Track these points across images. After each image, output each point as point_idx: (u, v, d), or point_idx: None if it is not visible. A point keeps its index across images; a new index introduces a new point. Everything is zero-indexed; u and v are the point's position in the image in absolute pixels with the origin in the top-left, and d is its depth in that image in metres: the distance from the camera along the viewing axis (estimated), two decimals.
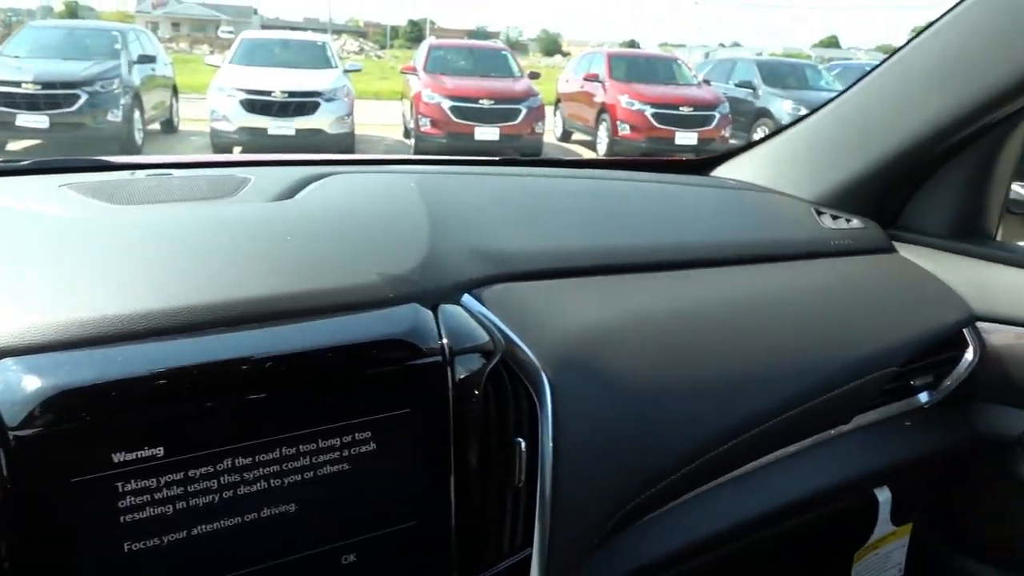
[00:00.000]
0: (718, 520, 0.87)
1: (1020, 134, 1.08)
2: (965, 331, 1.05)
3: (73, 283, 0.56)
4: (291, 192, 0.81)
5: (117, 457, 0.48)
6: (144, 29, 12.20)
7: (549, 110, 10.86)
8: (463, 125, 9.29)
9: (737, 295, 0.91)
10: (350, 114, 9.26)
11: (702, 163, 1.35)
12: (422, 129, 9.38)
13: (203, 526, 0.51)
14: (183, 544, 0.51)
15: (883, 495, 1.02)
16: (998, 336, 1.04)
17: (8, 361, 0.48)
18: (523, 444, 0.64)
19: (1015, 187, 1.19)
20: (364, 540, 0.57)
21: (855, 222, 1.13)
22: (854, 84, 1.14)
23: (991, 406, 1.09)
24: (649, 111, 9.72)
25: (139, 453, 0.49)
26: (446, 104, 9.37)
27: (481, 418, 0.62)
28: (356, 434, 0.56)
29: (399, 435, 0.57)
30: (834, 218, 1.12)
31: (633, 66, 10.97)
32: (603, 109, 10.31)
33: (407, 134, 10.22)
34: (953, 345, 1.05)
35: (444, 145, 9.14)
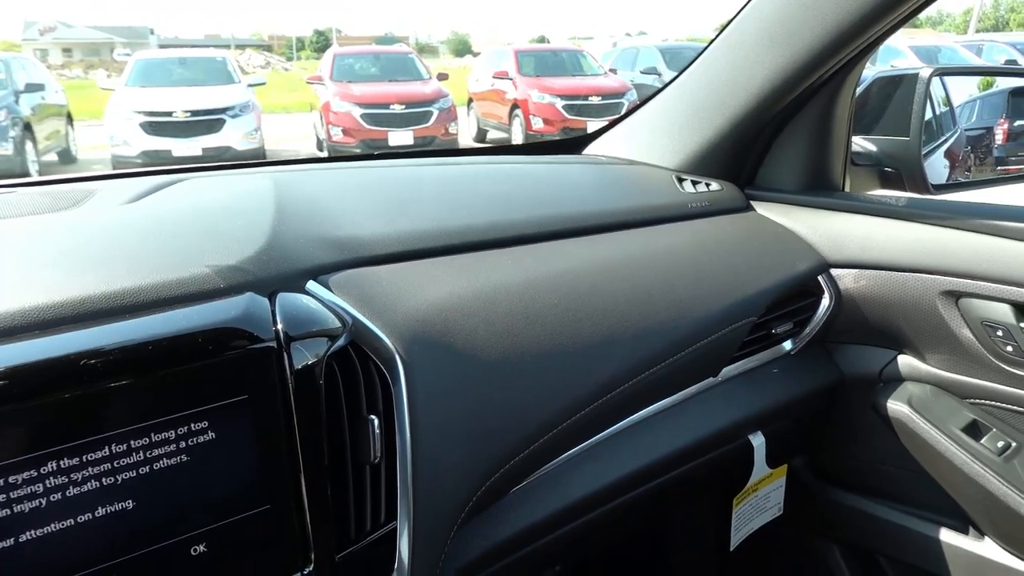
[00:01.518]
0: (595, 480, 0.90)
1: (850, 90, 1.15)
2: (820, 279, 1.11)
3: None
4: (135, 199, 0.80)
5: None
6: (28, 57, 11.64)
7: (462, 111, 10.88)
8: (376, 131, 9.22)
9: (596, 262, 0.94)
10: (258, 129, 9.06)
11: (576, 141, 1.39)
12: (334, 139, 9.26)
13: (31, 532, 0.50)
14: (11, 553, 0.50)
15: (757, 440, 1.07)
16: (852, 281, 1.11)
17: None
18: (376, 421, 0.65)
19: (856, 140, 1.27)
20: (214, 529, 0.57)
21: (714, 185, 1.18)
22: (698, 56, 1.20)
23: (852, 347, 1.16)
24: (560, 103, 9.85)
25: None
26: (356, 112, 9.28)
27: (327, 400, 0.62)
28: (192, 424, 0.56)
29: (239, 422, 0.58)
30: (694, 183, 1.18)
31: (541, 61, 11.10)
32: (515, 105, 10.40)
33: (319, 145, 10.08)
34: (810, 293, 1.12)
35: (359, 154, 9.04)
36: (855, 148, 1.25)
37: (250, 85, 10.02)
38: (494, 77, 10.98)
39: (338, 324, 0.65)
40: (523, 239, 0.92)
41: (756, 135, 1.19)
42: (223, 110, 8.83)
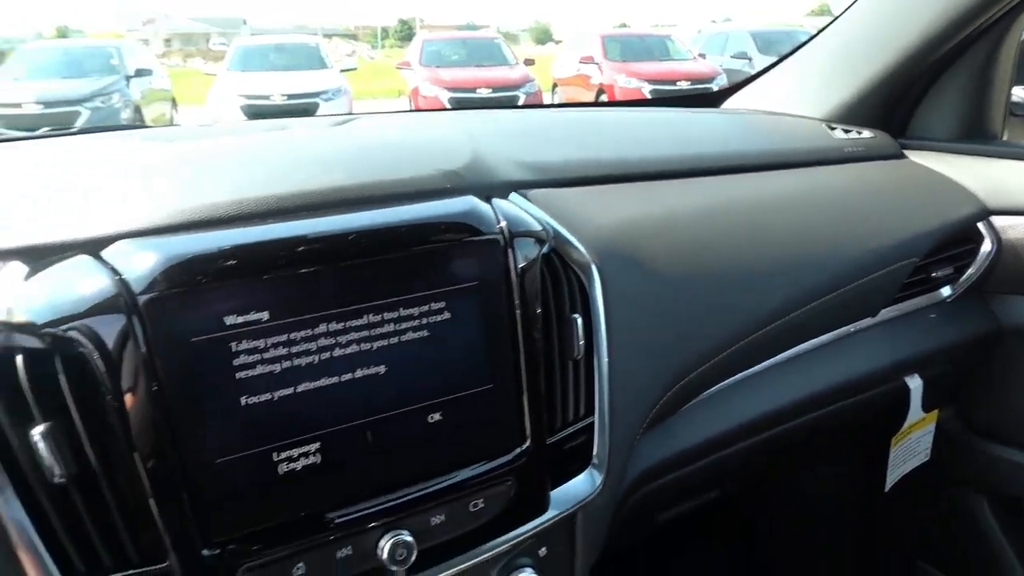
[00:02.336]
0: (756, 407, 0.93)
1: (1015, 38, 1.12)
2: (980, 225, 1.10)
3: (189, 179, 0.62)
4: (338, 124, 0.87)
5: (229, 320, 0.54)
6: (137, 43, 12.28)
7: (547, 97, 10.90)
8: None
9: (757, 197, 0.96)
10: (350, 112, 9.32)
11: (713, 96, 1.40)
12: None
13: (305, 384, 0.57)
14: (289, 400, 0.56)
15: (914, 383, 1.07)
16: (1015, 229, 1.09)
17: (137, 240, 0.54)
18: (579, 320, 0.70)
19: (1016, 91, 1.24)
20: (447, 401, 0.62)
21: (866, 133, 1.18)
22: (851, 6, 1.19)
23: (1010, 297, 1.14)
24: (647, 88, 9.74)
25: (247, 317, 0.54)
26: (444, 96, 9.43)
27: (540, 296, 0.67)
28: (432, 304, 0.61)
29: (470, 306, 0.63)
30: (845, 132, 1.17)
31: (627, 45, 11.00)
32: (601, 90, 10.34)
33: None
34: (970, 239, 1.10)
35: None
36: (1014, 98, 1.23)
37: (342, 70, 10.32)
38: (580, 62, 10.95)
39: (545, 230, 0.69)
40: (692, 173, 0.95)
41: (911, 84, 1.17)
42: (317, 94, 9.13)
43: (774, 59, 1.39)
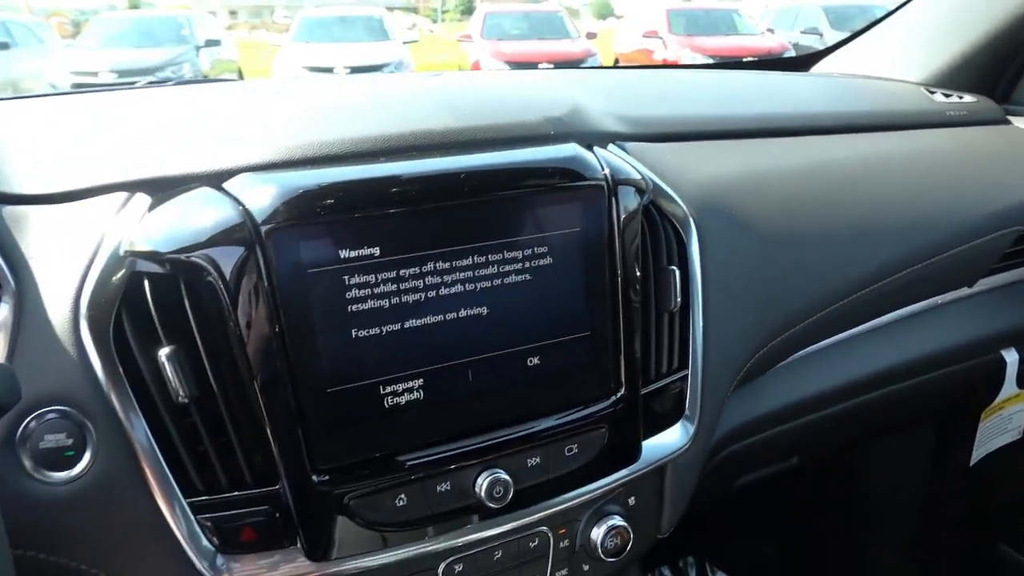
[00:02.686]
0: (845, 372, 0.91)
1: None
2: None
3: (303, 119, 0.63)
4: (434, 76, 0.87)
5: (343, 253, 0.55)
6: (206, 14, 12.55)
7: None
8: None
9: (856, 158, 0.93)
10: None
11: (801, 60, 1.36)
12: None
13: (412, 321, 0.58)
14: (396, 336, 0.57)
15: (1011, 356, 1.03)
16: None
17: (257, 173, 0.55)
18: (677, 272, 0.69)
19: None
20: (546, 345, 0.63)
21: (967, 98, 1.13)
22: None
23: None
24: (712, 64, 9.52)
25: (360, 251, 0.55)
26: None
27: (640, 245, 0.67)
28: (535, 248, 0.62)
29: (572, 251, 0.63)
30: (946, 96, 1.13)
31: (692, 19, 10.72)
32: (664, 66, 10.15)
33: None
34: None
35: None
36: None
37: (404, 43, 10.36)
38: (643, 36, 10.74)
39: (645, 180, 0.69)
40: (788, 132, 0.93)
41: (1018, 49, 1.12)
42: (380, 66, 9.17)
43: (846, 35, 1.35)
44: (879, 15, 1.31)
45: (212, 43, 10.12)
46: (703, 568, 1.43)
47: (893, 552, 1.35)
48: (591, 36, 10.66)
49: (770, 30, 10.95)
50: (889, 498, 1.31)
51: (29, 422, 0.52)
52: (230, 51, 11.11)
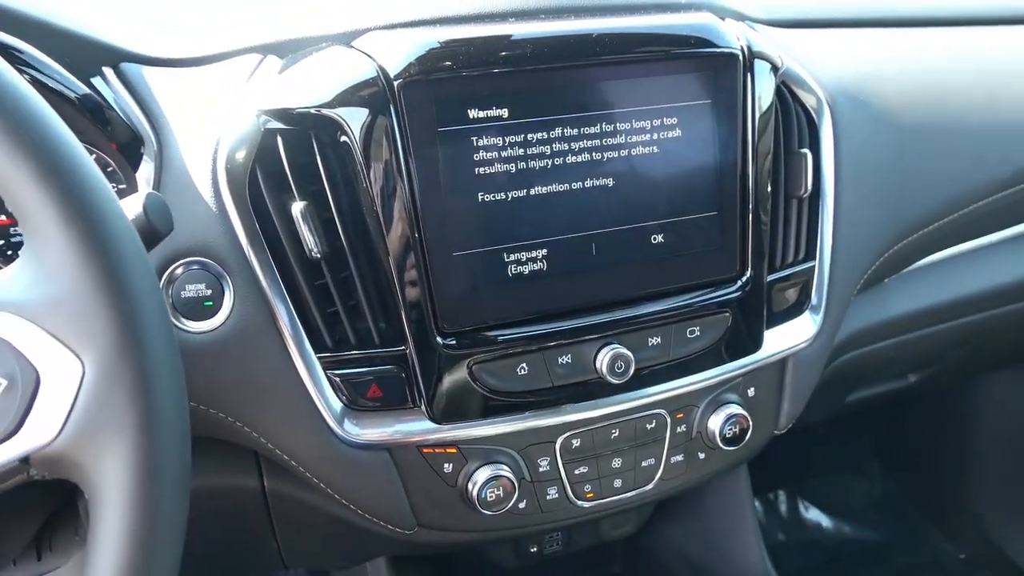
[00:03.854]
0: (977, 282, 0.86)
1: None
2: None
3: None
4: None
5: (472, 113, 0.54)
6: None
7: None
8: None
9: (998, 50, 0.86)
10: None
11: None
12: None
13: (538, 188, 0.57)
14: (523, 202, 0.56)
15: None
16: None
17: (387, 31, 0.55)
18: (809, 156, 0.66)
19: None
20: (671, 223, 0.61)
21: None
22: None
23: None
24: None
25: (488, 112, 0.54)
26: None
27: (772, 125, 0.63)
28: (664, 119, 0.59)
29: (702, 126, 0.60)
30: None
31: None
32: None
33: None
34: None
35: None
36: None
37: None
38: None
39: (779, 58, 0.65)
40: (928, 22, 0.86)
41: None
42: None
43: None
44: None
45: None
46: (794, 501, 1.41)
47: (999, 499, 1.29)
48: None
49: None
50: (1006, 438, 1.24)
51: (174, 269, 0.54)
52: None
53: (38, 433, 0.33)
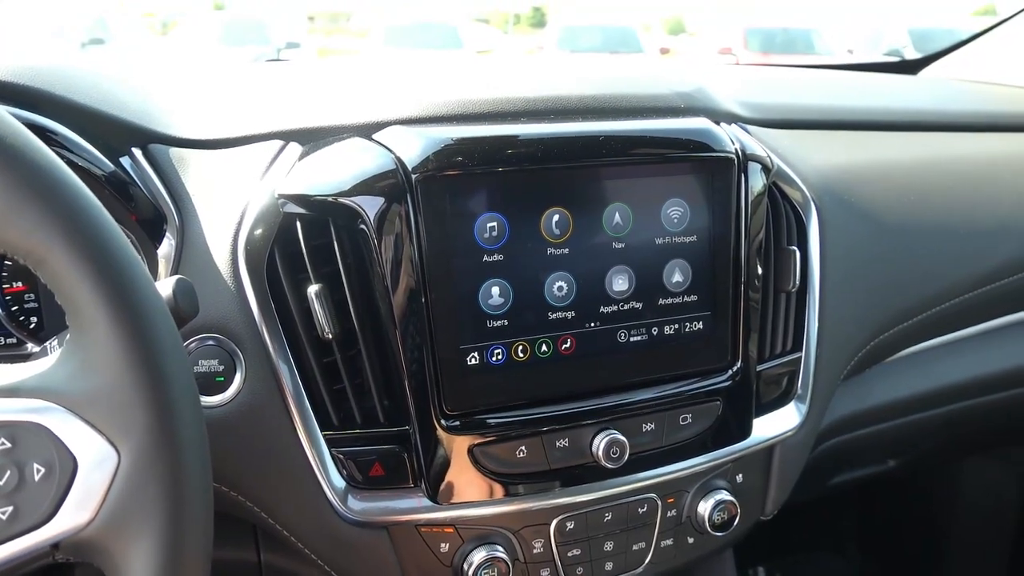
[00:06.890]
0: (959, 372, 0.89)
1: None
2: None
3: (447, 81, 0.66)
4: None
5: (482, 206, 0.57)
6: (287, 18, 12.97)
7: None
8: None
9: (978, 155, 0.91)
10: None
11: (910, 64, 1.34)
12: None
13: (543, 279, 0.59)
14: (528, 292, 0.59)
15: None
16: None
17: (407, 126, 0.58)
18: (797, 253, 0.69)
19: None
20: (667, 316, 0.63)
21: None
22: None
23: None
24: None
25: (497, 205, 0.57)
26: None
27: (762, 222, 0.67)
28: (662, 216, 0.62)
29: (698, 222, 0.63)
30: None
31: (769, 37, 10.56)
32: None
33: None
34: None
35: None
36: None
37: (477, 52, 10.50)
38: (718, 53, 10.63)
39: (770, 159, 0.69)
40: (904, 127, 0.91)
41: None
42: None
43: None
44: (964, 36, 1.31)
45: (292, 46, 10.44)
46: None
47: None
48: (664, 52, 10.61)
49: (850, 51, 10.71)
50: (983, 521, 1.27)
51: (189, 344, 0.56)
52: (309, 54, 11.45)
53: (71, 520, 0.34)
